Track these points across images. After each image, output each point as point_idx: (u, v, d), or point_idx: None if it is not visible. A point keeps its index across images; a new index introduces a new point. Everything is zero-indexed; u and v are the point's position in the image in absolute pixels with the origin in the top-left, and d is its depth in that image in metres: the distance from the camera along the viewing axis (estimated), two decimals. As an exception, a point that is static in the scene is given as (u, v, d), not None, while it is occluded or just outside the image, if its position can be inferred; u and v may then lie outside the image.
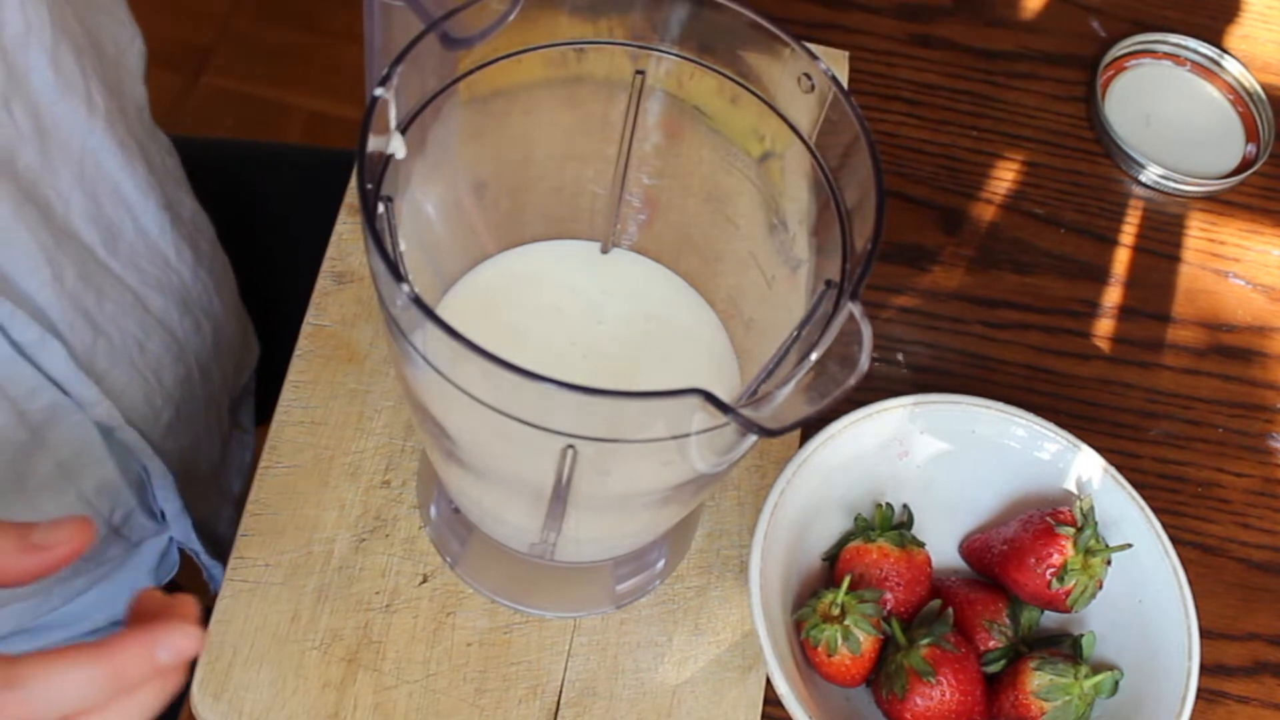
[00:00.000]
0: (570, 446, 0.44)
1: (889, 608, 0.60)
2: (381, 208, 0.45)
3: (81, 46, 0.63)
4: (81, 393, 0.65)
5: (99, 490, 0.70)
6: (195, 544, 0.79)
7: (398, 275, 0.41)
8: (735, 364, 0.58)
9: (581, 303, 0.57)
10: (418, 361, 0.44)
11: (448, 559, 0.62)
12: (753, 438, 0.48)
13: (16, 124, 0.58)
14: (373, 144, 0.44)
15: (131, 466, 0.73)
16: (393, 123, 0.46)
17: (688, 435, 0.44)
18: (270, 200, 0.95)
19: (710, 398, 0.40)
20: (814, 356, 0.42)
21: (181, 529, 0.78)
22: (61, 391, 0.64)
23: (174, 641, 0.41)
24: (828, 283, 0.47)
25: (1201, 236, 0.80)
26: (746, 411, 0.40)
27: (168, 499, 0.76)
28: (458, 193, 0.57)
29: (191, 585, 0.90)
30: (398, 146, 0.47)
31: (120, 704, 0.40)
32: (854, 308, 0.42)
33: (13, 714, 0.39)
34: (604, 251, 0.60)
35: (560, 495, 0.48)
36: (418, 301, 0.40)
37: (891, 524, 0.62)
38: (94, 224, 0.66)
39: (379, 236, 0.42)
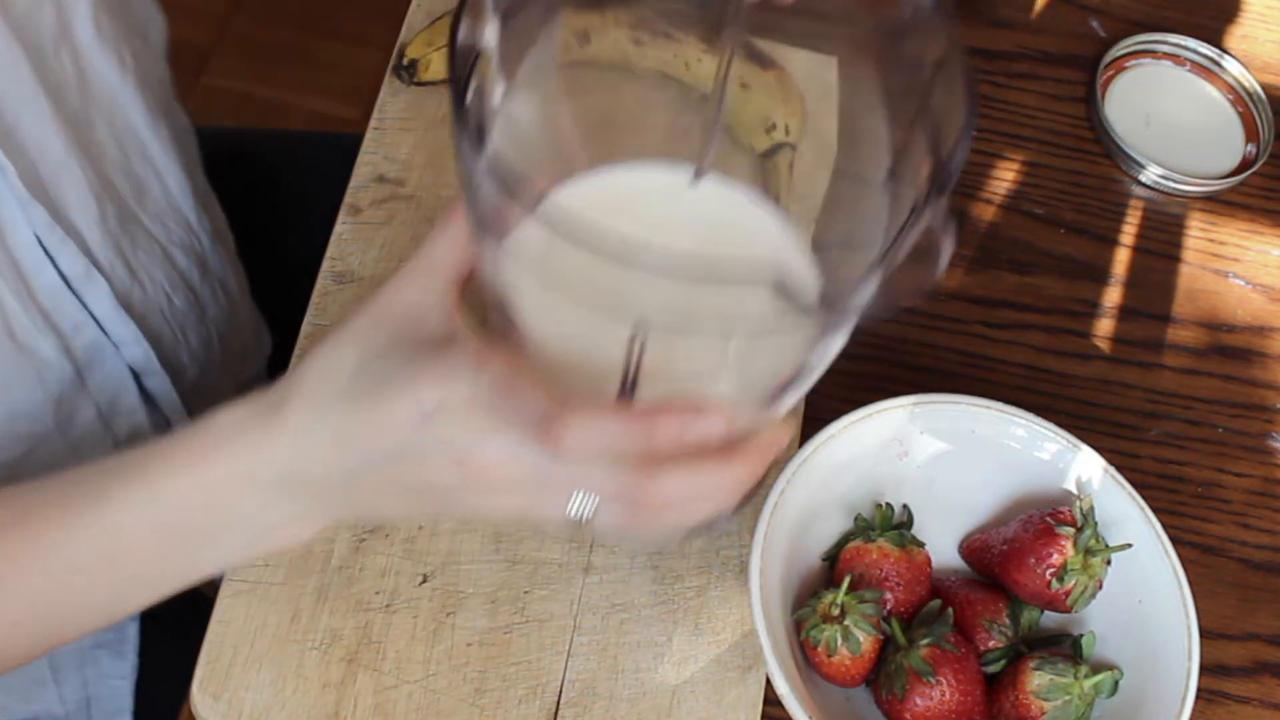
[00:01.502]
0: (638, 336, 0.43)
1: (889, 608, 0.60)
2: (470, 95, 0.43)
3: (114, 9, 0.66)
4: (121, 332, 0.67)
5: (131, 438, 0.71)
6: None
7: (479, 141, 0.40)
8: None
9: (662, 236, 0.56)
10: (498, 247, 0.43)
11: None
12: (820, 358, 0.48)
13: (64, 68, 0.61)
14: (463, 33, 0.42)
15: (158, 421, 0.74)
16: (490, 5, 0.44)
17: (757, 331, 0.42)
18: (276, 187, 0.95)
19: (784, 285, 0.39)
20: (901, 252, 0.43)
21: None
22: (101, 330, 0.66)
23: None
24: (925, 184, 0.46)
25: (1201, 236, 0.80)
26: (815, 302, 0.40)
27: None
28: (547, 103, 0.55)
29: None
30: (491, 34, 0.45)
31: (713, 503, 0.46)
32: (937, 210, 0.42)
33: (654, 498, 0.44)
34: (696, 178, 0.57)
35: (626, 392, 0.46)
36: (499, 170, 0.39)
37: (891, 524, 0.62)
38: (124, 176, 0.69)
39: (464, 110, 0.41)
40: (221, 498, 0.48)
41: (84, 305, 0.65)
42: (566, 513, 0.46)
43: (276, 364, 0.90)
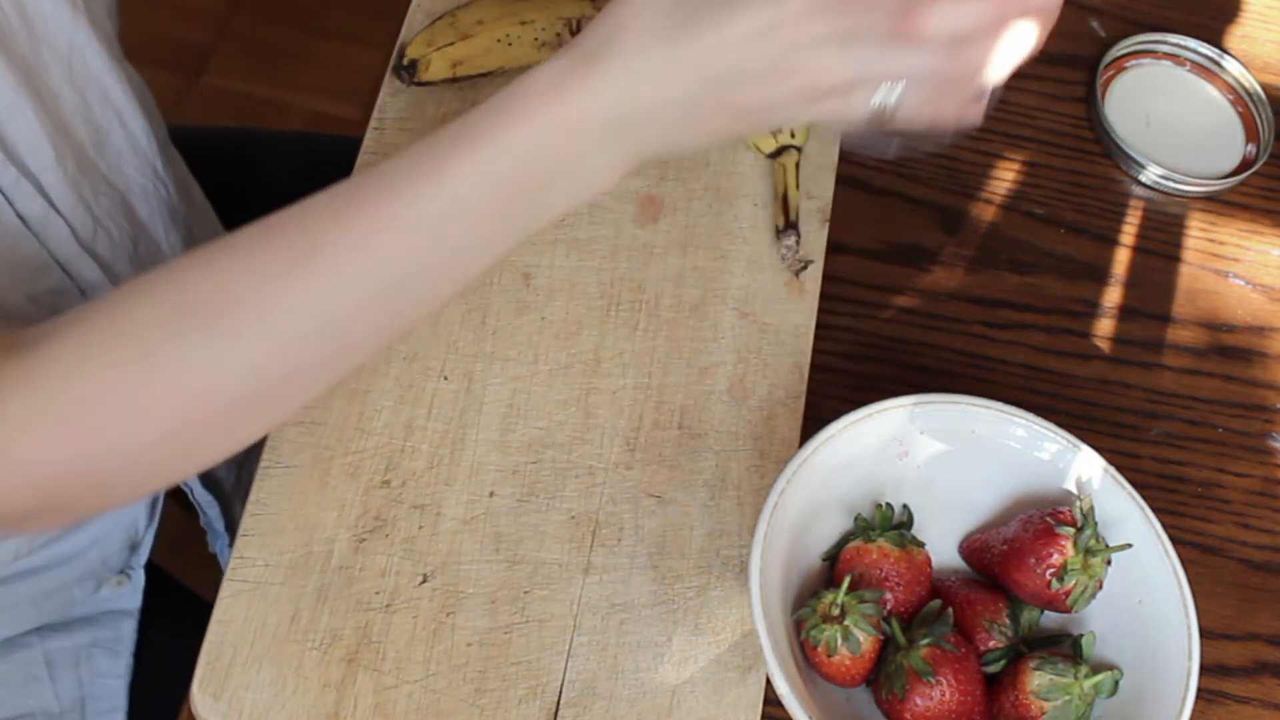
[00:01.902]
0: None
1: (889, 608, 0.60)
2: None
3: None
4: (86, 274, 0.66)
5: None
6: None
7: None
8: None
9: None
10: None
11: None
12: None
13: (4, 11, 0.59)
14: None
15: None
16: None
17: None
18: (269, 185, 0.95)
19: None
20: None
21: None
22: (66, 275, 0.65)
23: None
24: None
25: (1201, 236, 0.80)
26: None
27: None
28: None
29: (188, 535, 0.90)
30: None
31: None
32: None
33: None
34: None
35: None
36: None
37: (891, 524, 0.62)
38: (84, 122, 0.67)
39: None
40: (553, 149, 0.50)
41: (44, 247, 0.63)
42: (872, 104, 0.50)
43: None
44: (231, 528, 0.84)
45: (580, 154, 0.50)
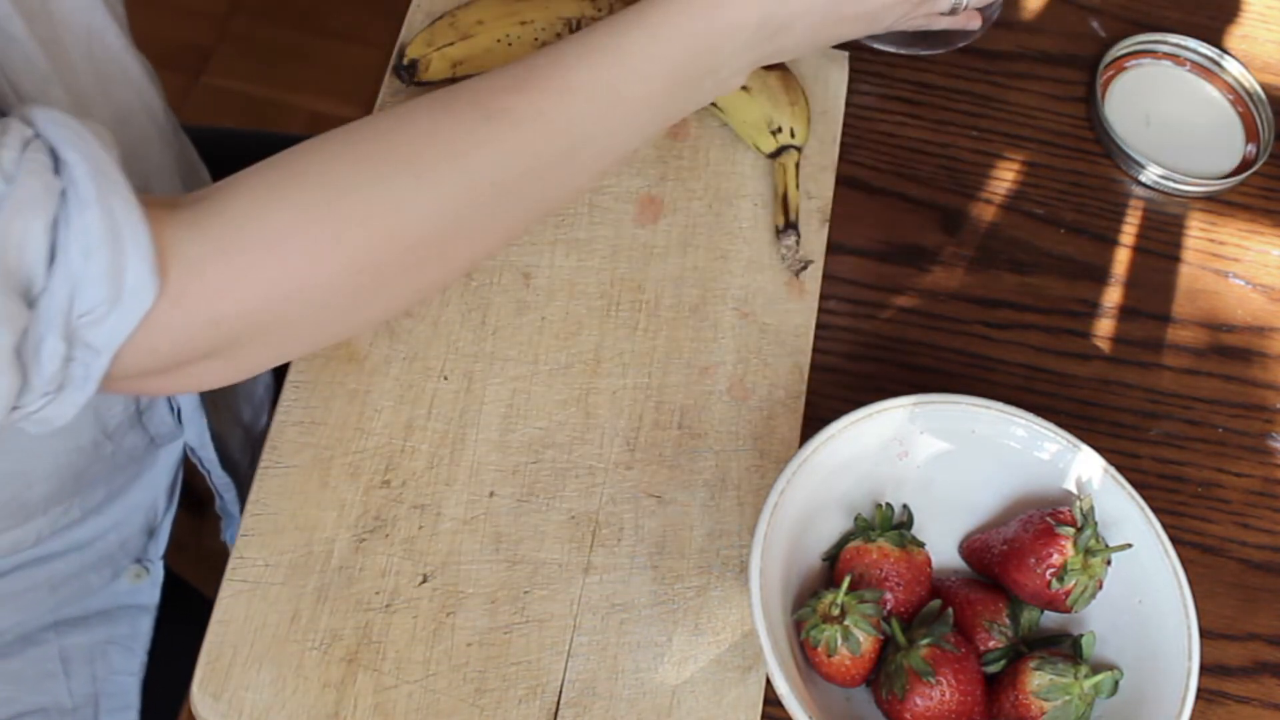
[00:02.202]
0: None
1: (889, 608, 0.60)
2: None
3: None
4: None
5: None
6: (210, 450, 0.79)
7: None
8: None
9: None
10: None
11: None
12: None
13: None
14: None
15: None
16: None
17: None
18: None
19: None
20: None
21: (196, 429, 0.78)
22: None
23: None
24: None
25: (1201, 236, 0.80)
26: None
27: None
28: None
29: (191, 534, 0.90)
30: None
31: None
32: None
33: None
34: None
35: None
36: None
37: (891, 524, 0.62)
38: (105, 103, 0.67)
39: None
40: (717, 43, 0.57)
41: None
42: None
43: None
44: None
45: (733, 52, 0.58)
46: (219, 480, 0.82)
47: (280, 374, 0.67)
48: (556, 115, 0.55)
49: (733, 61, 0.59)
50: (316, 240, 0.51)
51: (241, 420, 0.88)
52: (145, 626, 0.79)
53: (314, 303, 0.52)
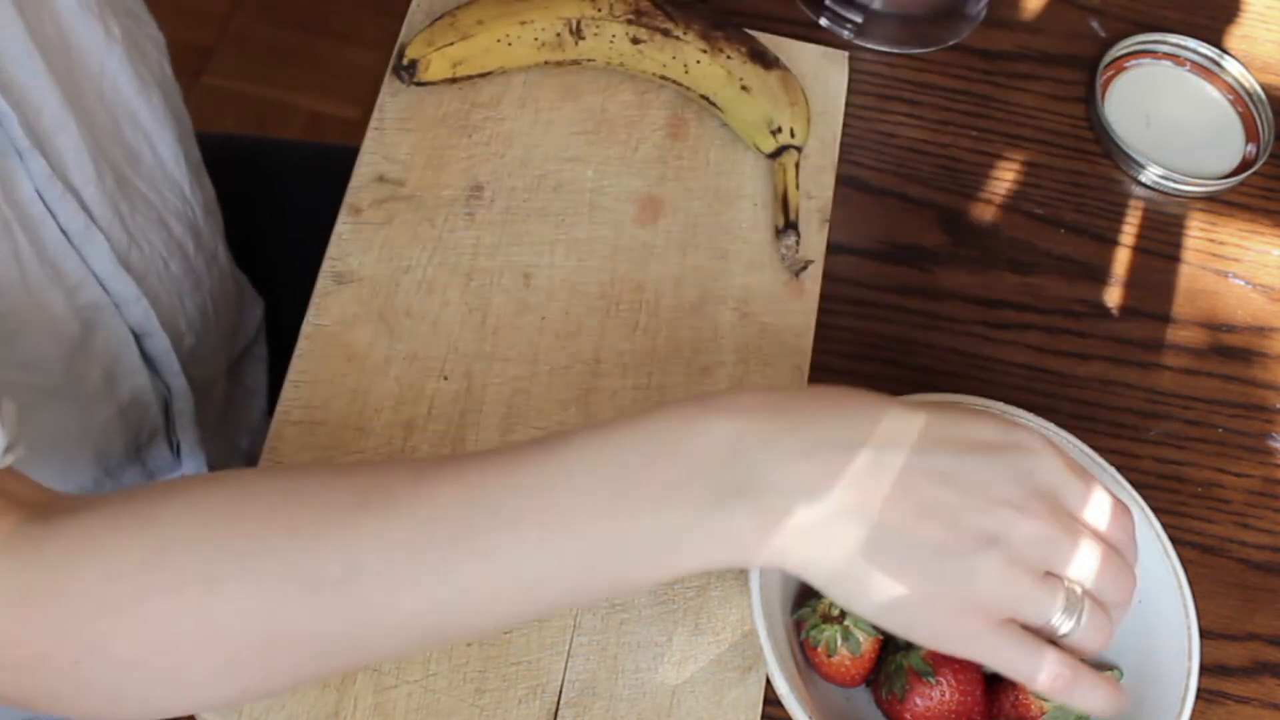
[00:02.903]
0: None
1: (889, 608, 0.60)
2: None
3: None
4: (121, 290, 0.68)
5: (132, 402, 0.72)
6: None
7: None
8: None
9: None
10: None
11: None
12: None
13: (45, 27, 0.61)
14: None
15: (157, 385, 0.74)
16: None
17: None
18: (272, 192, 0.95)
19: None
20: None
21: (195, 466, 0.78)
22: (102, 288, 0.67)
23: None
24: None
25: (1201, 236, 0.80)
26: None
27: (185, 427, 0.77)
28: None
29: None
30: None
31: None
32: None
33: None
34: None
35: None
36: None
37: (891, 524, 0.62)
38: (116, 142, 0.69)
39: None
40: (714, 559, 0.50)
41: (84, 261, 0.65)
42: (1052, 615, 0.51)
43: (276, 368, 0.90)
44: None
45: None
46: None
47: (276, 396, 0.67)
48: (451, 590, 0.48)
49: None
50: (121, 609, 0.46)
51: (241, 448, 0.88)
52: None
53: (110, 675, 0.48)
